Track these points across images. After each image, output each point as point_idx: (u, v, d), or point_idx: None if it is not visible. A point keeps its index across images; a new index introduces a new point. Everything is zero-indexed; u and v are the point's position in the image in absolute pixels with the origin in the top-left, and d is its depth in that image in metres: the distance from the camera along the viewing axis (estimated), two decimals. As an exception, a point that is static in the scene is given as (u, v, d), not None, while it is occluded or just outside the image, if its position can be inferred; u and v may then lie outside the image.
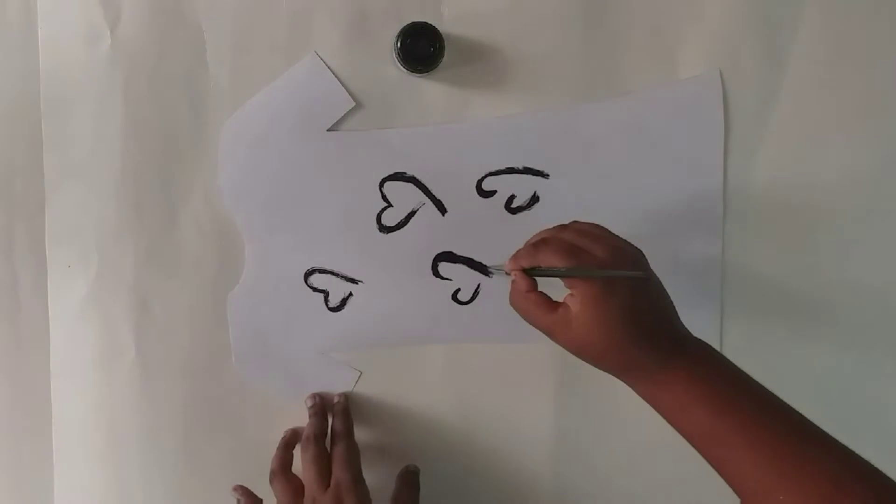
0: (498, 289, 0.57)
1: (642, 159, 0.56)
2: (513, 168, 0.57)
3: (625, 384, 0.44)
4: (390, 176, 0.56)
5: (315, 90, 0.55)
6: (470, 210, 0.57)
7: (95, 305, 0.57)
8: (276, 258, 0.57)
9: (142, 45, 0.55)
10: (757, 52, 0.56)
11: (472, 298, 0.57)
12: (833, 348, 0.58)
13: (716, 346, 0.57)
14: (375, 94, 0.56)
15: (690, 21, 0.56)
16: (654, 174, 0.57)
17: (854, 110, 0.56)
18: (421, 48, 0.53)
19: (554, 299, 0.44)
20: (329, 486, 0.52)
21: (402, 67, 0.54)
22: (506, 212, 0.57)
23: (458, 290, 0.57)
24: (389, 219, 0.57)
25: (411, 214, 0.57)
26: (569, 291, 0.43)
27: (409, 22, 0.53)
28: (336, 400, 0.58)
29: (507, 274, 0.45)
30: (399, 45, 0.53)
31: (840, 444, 0.39)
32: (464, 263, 0.57)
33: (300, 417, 0.57)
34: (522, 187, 0.57)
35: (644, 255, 0.45)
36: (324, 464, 0.53)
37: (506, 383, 0.58)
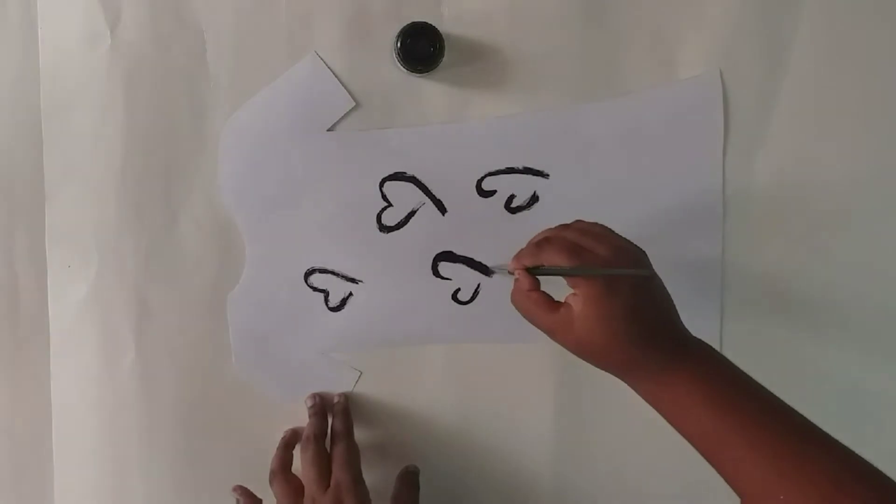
0: (498, 289, 0.57)
1: (642, 159, 0.56)
2: (513, 168, 0.57)
3: (626, 384, 0.44)
4: (390, 176, 0.56)
5: (315, 90, 0.55)
6: (470, 210, 0.57)
7: (95, 305, 0.57)
8: (276, 258, 0.57)
9: (142, 45, 0.55)
10: (757, 52, 0.56)
11: (472, 298, 0.57)
12: (833, 348, 0.58)
13: (716, 346, 0.57)
14: (375, 94, 0.56)
15: (690, 21, 0.56)
16: (654, 174, 0.57)
17: (854, 110, 0.56)
18: (421, 48, 0.53)
19: (555, 299, 0.44)
20: (329, 486, 0.51)
21: (402, 67, 0.54)
22: (506, 211, 0.57)
23: (458, 290, 0.57)
24: (389, 218, 0.57)
25: (411, 214, 0.57)
26: (570, 291, 0.43)
27: (409, 22, 0.53)
28: (336, 400, 0.58)
29: (510, 273, 0.45)
30: (399, 45, 0.53)
31: (841, 444, 0.39)
32: (464, 263, 0.57)
33: (300, 417, 0.57)
34: (522, 187, 0.57)
35: (646, 255, 0.45)
36: (324, 464, 0.53)
37: (506, 383, 0.58)
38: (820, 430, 0.40)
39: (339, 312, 0.58)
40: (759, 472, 0.39)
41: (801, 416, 0.40)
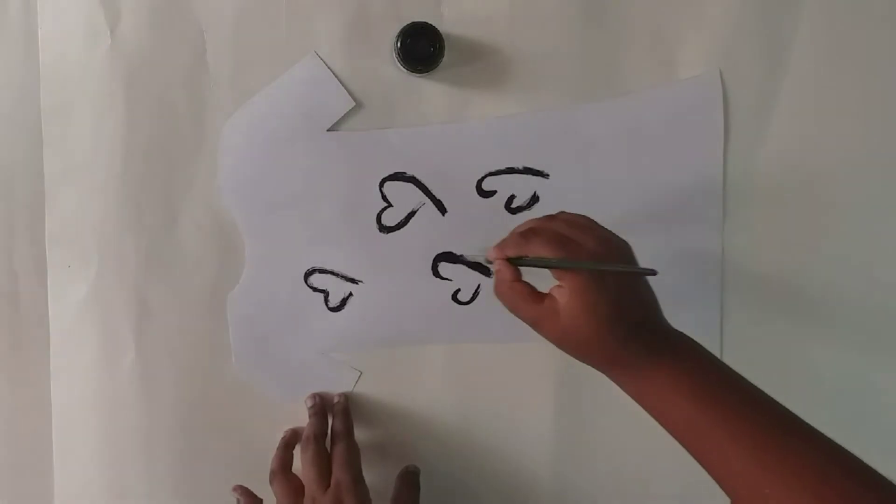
0: (498, 289, 0.57)
1: (642, 159, 0.56)
2: (513, 168, 0.57)
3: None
4: (390, 176, 0.56)
5: (315, 90, 0.55)
6: (470, 210, 0.57)
7: (95, 305, 0.57)
8: (276, 258, 0.57)
9: (142, 45, 0.55)
10: (757, 52, 0.56)
11: (472, 298, 0.57)
12: (834, 348, 0.58)
13: (716, 346, 0.58)
14: (375, 94, 0.56)
15: (690, 21, 0.56)
16: (654, 174, 0.57)
17: (854, 110, 0.56)
18: (421, 48, 0.53)
19: (539, 290, 0.44)
20: (329, 486, 0.51)
21: (402, 67, 0.54)
22: (506, 212, 0.57)
23: (458, 290, 0.57)
24: (389, 219, 0.57)
25: (411, 214, 0.57)
26: (555, 283, 0.43)
27: (409, 22, 0.53)
28: (336, 400, 0.58)
29: (488, 263, 0.45)
30: (399, 45, 0.53)
31: (826, 437, 0.39)
32: (464, 263, 0.57)
33: (300, 417, 0.57)
34: (522, 187, 0.57)
35: (631, 248, 0.45)
36: (324, 464, 0.53)
37: (506, 383, 0.58)
38: (805, 423, 0.40)
39: (339, 312, 0.58)
40: (742, 464, 0.38)
41: (786, 409, 0.40)
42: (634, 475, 0.59)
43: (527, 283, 0.44)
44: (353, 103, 0.55)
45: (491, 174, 0.57)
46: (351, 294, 0.57)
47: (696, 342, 0.44)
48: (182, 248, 0.57)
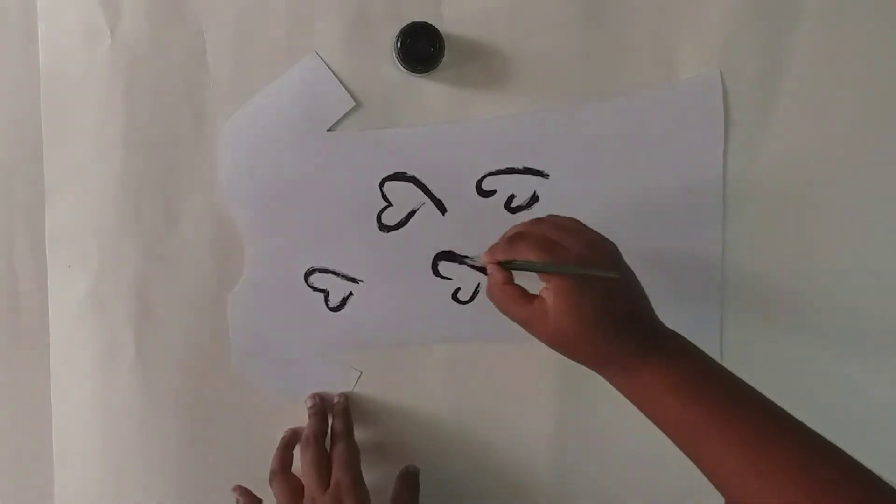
0: (498, 289, 0.57)
1: (642, 159, 0.56)
2: (513, 168, 0.57)
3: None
4: (390, 176, 0.56)
5: (315, 90, 0.55)
6: (470, 210, 0.57)
7: (95, 305, 0.57)
8: (276, 258, 0.57)
9: (142, 45, 0.55)
10: (757, 52, 0.56)
11: (472, 298, 0.57)
12: (834, 348, 0.58)
13: (716, 347, 0.58)
14: (375, 94, 0.56)
15: (690, 21, 0.56)
16: (654, 174, 0.57)
17: (854, 110, 0.56)
18: (421, 48, 0.53)
19: (531, 291, 0.44)
20: (329, 486, 0.51)
21: (402, 67, 0.54)
22: (506, 211, 0.57)
23: (458, 289, 0.57)
24: (389, 218, 0.57)
25: (411, 214, 0.57)
26: (545, 285, 0.43)
27: (409, 22, 0.53)
28: (336, 400, 0.58)
29: (481, 267, 0.46)
30: (399, 45, 0.53)
31: (813, 432, 0.39)
32: (466, 265, 0.57)
33: (300, 417, 0.57)
34: (522, 187, 0.57)
35: (618, 250, 0.45)
36: (323, 464, 0.53)
37: (506, 383, 0.58)
38: (792, 417, 0.40)
39: (339, 312, 0.58)
40: (731, 460, 0.39)
41: (774, 404, 0.41)
42: (634, 474, 0.59)
43: (517, 286, 0.45)
44: (353, 103, 0.55)
45: (491, 174, 0.57)
46: (351, 294, 0.57)
47: (686, 340, 0.44)
48: (182, 248, 0.57)
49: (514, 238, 0.45)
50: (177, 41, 0.55)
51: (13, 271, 0.57)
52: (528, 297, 0.44)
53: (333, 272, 0.57)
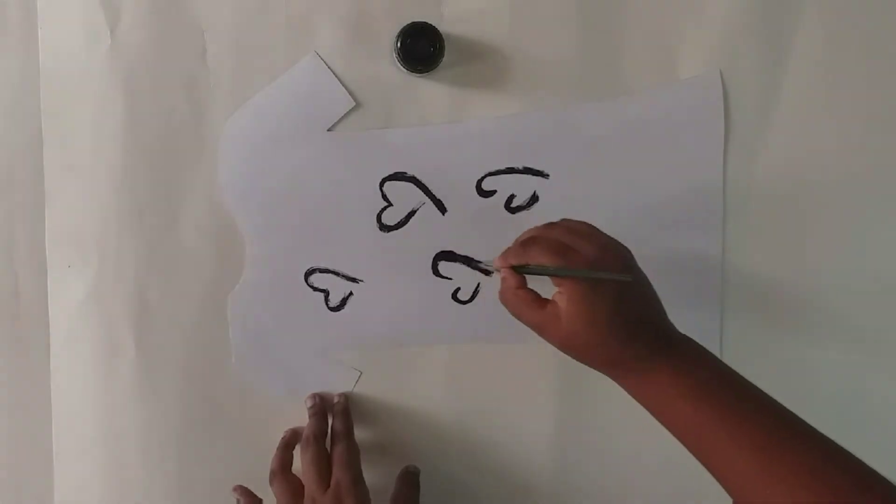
0: (498, 288, 0.57)
1: (642, 159, 0.56)
2: (513, 168, 0.57)
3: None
4: (390, 176, 0.56)
5: (315, 90, 0.55)
6: (470, 210, 0.57)
7: (95, 305, 0.57)
8: (276, 258, 0.57)
9: (142, 45, 0.55)
10: (757, 52, 0.56)
11: (472, 298, 0.57)
12: (834, 348, 0.58)
13: (716, 346, 0.58)
14: (375, 94, 0.56)
15: (690, 21, 0.56)
16: (654, 174, 0.57)
17: (854, 110, 0.56)
18: (421, 48, 0.53)
19: (544, 295, 0.45)
20: (329, 486, 0.51)
21: (402, 67, 0.54)
22: (506, 211, 0.57)
23: (458, 289, 0.57)
24: (389, 218, 0.57)
25: (411, 214, 0.57)
26: (557, 289, 0.43)
27: (409, 22, 0.53)
28: (336, 400, 0.58)
29: (497, 271, 0.46)
30: (399, 45, 0.53)
31: (826, 437, 0.39)
32: (464, 263, 0.57)
33: (300, 418, 0.57)
34: (522, 187, 0.57)
35: (631, 254, 0.45)
36: (323, 464, 0.53)
37: (506, 383, 0.58)
38: (804, 423, 0.40)
39: (339, 312, 0.58)
40: (742, 464, 0.39)
41: (786, 409, 0.41)
42: (635, 475, 0.59)
43: (531, 290, 0.45)
44: (353, 103, 0.55)
45: (491, 174, 0.57)
46: (351, 294, 0.57)
47: (698, 344, 0.44)
48: (182, 248, 0.57)
49: (528, 242, 0.45)
50: (177, 41, 0.55)
51: (13, 271, 0.57)
52: (540, 301, 0.44)
53: (333, 272, 0.57)
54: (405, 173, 0.56)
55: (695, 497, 0.58)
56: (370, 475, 0.54)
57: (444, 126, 0.56)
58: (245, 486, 0.56)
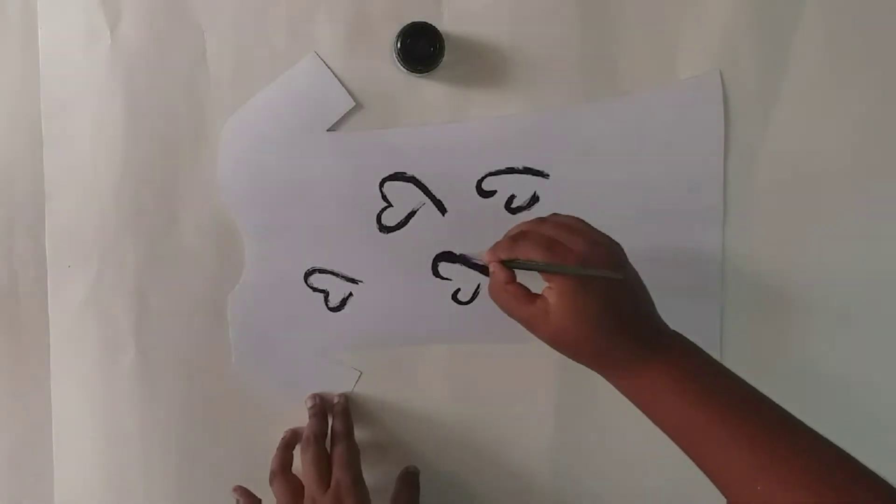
0: (498, 289, 0.57)
1: (642, 159, 0.56)
2: (513, 168, 0.57)
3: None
4: (390, 176, 0.56)
5: (315, 90, 0.55)
6: (470, 210, 0.57)
7: (95, 305, 0.57)
8: (276, 258, 0.57)
9: (142, 45, 0.55)
10: (757, 52, 0.56)
11: (472, 298, 0.57)
12: (834, 348, 0.58)
13: (716, 346, 0.58)
14: (375, 94, 0.56)
15: (690, 21, 0.56)
16: (654, 174, 0.57)
17: (854, 110, 0.56)
18: (421, 48, 0.53)
19: (534, 290, 0.44)
20: (329, 486, 0.51)
21: (402, 67, 0.54)
22: (506, 212, 0.57)
23: (458, 290, 0.57)
24: (389, 219, 0.57)
25: (411, 214, 0.57)
26: (548, 284, 0.43)
27: (409, 22, 0.53)
28: (336, 400, 0.58)
29: (483, 266, 0.46)
30: (399, 45, 0.53)
31: (823, 438, 0.39)
32: (464, 263, 0.57)
33: (300, 418, 0.57)
34: (522, 187, 0.57)
35: (623, 250, 0.45)
36: (323, 464, 0.53)
37: (506, 383, 0.58)
38: (801, 422, 0.40)
39: (339, 312, 0.58)
40: (738, 464, 0.39)
41: (781, 408, 0.40)
42: (634, 474, 0.59)
43: (520, 285, 0.44)
44: (353, 103, 0.55)
45: (491, 174, 0.57)
46: (351, 294, 0.57)
47: (690, 342, 0.44)
48: (182, 248, 0.57)
49: (518, 237, 0.45)
50: (177, 41, 0.55)
51: (13, 271, 0.57)
52: (530, 296, 0.44)
53: (333, 272, 0.57)
54: (405, 173, 0.56)
55: (695, 497, 0.58)
56: (370, 475, 0.54)
57: (444, 126, 0.56)
58: (245, 486, 0.56)
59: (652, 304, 0.45)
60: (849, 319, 0.58)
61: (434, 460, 0.59)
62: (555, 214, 0.48)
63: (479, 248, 0.57)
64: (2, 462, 0.58)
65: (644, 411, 0.43)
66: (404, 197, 0.57)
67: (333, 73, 0.55)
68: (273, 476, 0.54)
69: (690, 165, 0.57)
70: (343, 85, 0.55)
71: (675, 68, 0.56)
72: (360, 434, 0.57)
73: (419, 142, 0.56)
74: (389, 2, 0.55)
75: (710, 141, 0.56)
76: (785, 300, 0.58)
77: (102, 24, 0.55)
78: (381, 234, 0.57)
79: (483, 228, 0.57)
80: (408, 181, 0.56)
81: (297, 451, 0.56)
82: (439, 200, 0.57)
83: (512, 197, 0.57)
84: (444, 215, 0.57)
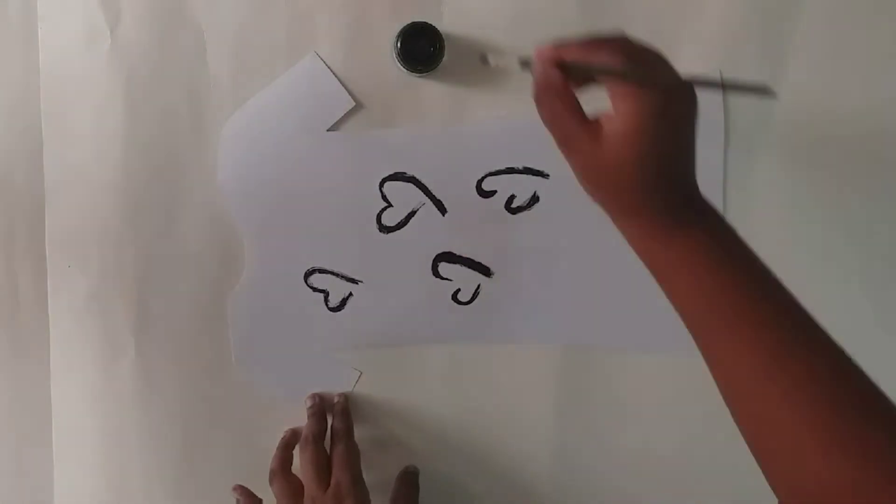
0: (498, 289, 0.57)
1: (642, 159, 0.56)
2: (513, 168, 0.57)
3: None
4: (390, 176, 0.56)
5: (315, 90, 0.55)
6: (470, 210, 0.57)
7: (95, 305, 0.57)
8: (276, 258, 0.57)
9: (142, 45, 0.55)
10: (757, 52, 0.56)
11: (472, 298, 0.57)
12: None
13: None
14: (375, 94, 0.56)
15: (690, 21, 0.56)
16: (654, 174, 0.56)
17: (854, 110, 0.56)
18: (421, 48, 0.53)
19: None
20: (328, 486, 0.51)
21: (402, 67, 0.54)
22: (506, 212, 0.57)
23: (458, 290, 0.57)
24: (389, 219, 0.57)
25: (411, 214, 0.57)
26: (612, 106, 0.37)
27: (409, 22, 0.53)
28: (336, 400, 0.58)
29: (525, 65, 0.39)
30: (399, 45, 0.53)
31: (851, 358, 0.36)
32: (464, 264, 0.57)
33: (300, 417, 0.57)
34: (522, 187, 0.57)
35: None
36: (322, 464, 0.53)
37: (506, 383, 0.58)
38: (830, 337, 0.37)
39: (339, 312, 0.58)
40: (744, 360, 0.35)
41: (810, 315, 0.37)
42: (634, 476, 0.59)
43: (575, 95, 0.38)
44: (353, 103, 0.55)
45: (491, 174, 0.57)
46: (351, 294, 0.57)
47: (725, 220, 0.40)
48: (182, 248, 0.57)
49: (595, 43, 0.36)
50: (177, 41, 0.55)
51: (13, 271, 0.57)
52: (583, 114, 0.38)
53: (333, 272, 0.57)
54: (405, 173, 0.56)
55: (696, 497, 0.58)
56: (370, 475, 0.54)
57: (444, 126, 0.56)
58: (245, 485, 0.56)
59: (695, 169, 0.39)
60: (849, 320, 0.58)
61: (434, 460, 0.59)
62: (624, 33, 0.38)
63: (479, 249, 0.57)
64: (2, 462, 0.58)
65: (658, 281, 0.39)
66: (404, 197, 0.57)
67: (333, 73, 0.55)
68: (273, 476, 0.54)
69: (690, 165, 0.56)
70: (343, 85, 0.55)
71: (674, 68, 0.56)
72: (359, 434, 0.57)
73: (419, 141, 0.56)
74: (389, 2, 0.55)
75: (710, 141, 0.56)
76: (785, 300, 0.58)
77: (102, 24, 0.55)
78: (381, 234, 0.57)
79: (483, 228, 0.57)
80: (408, 181, 0.56)
81: (296, 451, 0.56)
82: (439, 200, 0.57)
83: (512, 197, 0.57)
84: (444, 215, 0.57)
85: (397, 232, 0.57)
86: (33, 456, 0.58)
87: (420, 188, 0.56)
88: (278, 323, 0.57)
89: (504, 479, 0.59)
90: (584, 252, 0.57)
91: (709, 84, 0.37)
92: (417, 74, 0.55)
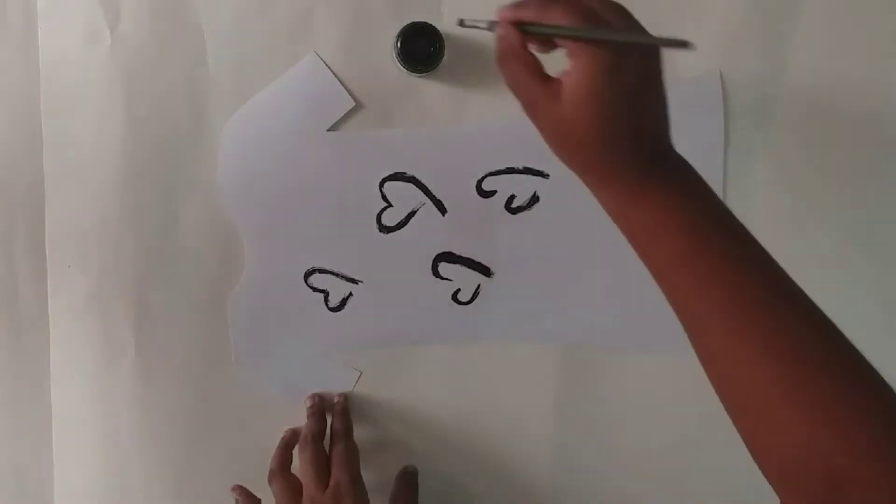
0: (498, 289, 0.57)
1: (642, 159, 0.56)
2: (513, 168, 0.57)
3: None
4: (390, 176, 0.56)
5: (315, 90, 0.55)
6: (470, 210, 0.57)
7: (95, 305, 0.57)
8: (276, 258, 0.57)
9: (142, 45, 0.55)
10: (757, 52, 0.56)
11: (473, 298, 0.57)
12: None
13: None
14: (375, 94, 0.56)
15: (690, 21, 0.56)
16: (654, 174, 0.56)
17: (854, 110, 0.56)
18: (421, 48, 0.53)
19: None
20: (328, 486, 0.51)
21: (402, 67, 0.54)
22: (506, 212, 0.57)
23: (458, 290, 0.57)
24: (389, 219, 0.57)
25: (411, 214, 0.57)
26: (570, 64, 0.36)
27: (409, 22, 0.53)
28: (336, 400, 0.58)
29: (487, 28, 0.39)
30: (399, 45, 0.53)
31: (821, 314, 0.35)
32: (463, 264, 0.57)
33: (300, 417, 0.57)
34: (522, 187, 0.57)
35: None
36: (321, 464, 0.53)
37: (506, 383, 0.58)
38: (803, 293, 0.36)
39: (339, 312, 0.58)
40: (716, 321, 0.35)
41: (786, 274, 0.37)
42: (634, 476, 0.59)
43: (535, 56, 0.38)
44: (353, 103, 0.55)
45: (491, 174, 0.57)
46: (351, 294, 0.57)
47: (701, 178, 0.38)
48: (182, 248, 0.57)
49: (549, 1, 0.36)
50: (177, 41, 0.55)
51: (13, 271, 0.57)
52: (544, 74, 0.37)
53: (333, 272, 0.57)
54: (405, 173, 0.56)
55: (696, 496, 0.58)
56: (369, 475, 0.54)
57: (444, 126, 0.56)
58: (244, 485, 0.56)
59: (668, 124, 0.38)
60: (849, 319, 0.58)
61: (433, 460, 0.59)
62: None
63: (479, 249, 0.57)
64: (2, 462, 0.58)
65: (632, 243, 0.38)
66: (404, 197, 0.57)
67: (333, 73, 0.55)
68: (272, 475, 0.54)
69: (690, 165, 0.56)
70: (343, 85, 0.55)
71: (675, 68, 0.56)
72: (359, 434, 0.57)
73: (419, 142, 0.56)
74: (389, 2, 0.55)
75: (710, 141, 0.56)
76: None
77: (102, 24, 0.55)
78: (381, 234, 0.57)
79: (483, 228, 0.57)
80: (408, 181, 0.56)
81: (296, 451, 0.56)
82: (439, 200, 0.57)
83: (512, 197, 0.57)
84: (444, 215, 0.57)
85: (397, 232, 0.57)
86: (33, 455, 0.58)
87: (420, 188, 0.56)
88: (278, 323, 0.57)
89: (504, 479, 0.59)
90: (584, 252, 0.57)
91: (634, 41, 0.36)
92: (417, 74, 0.55)
